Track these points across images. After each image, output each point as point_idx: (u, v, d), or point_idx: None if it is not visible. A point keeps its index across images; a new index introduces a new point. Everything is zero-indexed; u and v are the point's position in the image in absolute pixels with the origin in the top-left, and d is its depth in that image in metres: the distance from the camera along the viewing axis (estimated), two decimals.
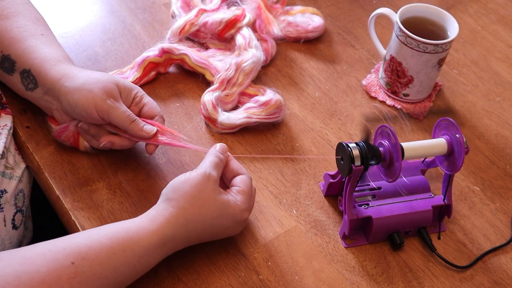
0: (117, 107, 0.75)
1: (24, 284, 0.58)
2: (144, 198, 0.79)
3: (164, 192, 0.70)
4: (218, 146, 0.75)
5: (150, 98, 0.80)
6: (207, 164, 0.72)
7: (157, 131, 0.77)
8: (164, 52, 0.93)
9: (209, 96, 0.88)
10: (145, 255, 0.66)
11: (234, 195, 0.72)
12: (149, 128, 0.76)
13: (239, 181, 0.73)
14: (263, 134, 0.89)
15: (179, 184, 0.70)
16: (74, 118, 0.79)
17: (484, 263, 0.78)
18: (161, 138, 0.77)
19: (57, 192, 0.78)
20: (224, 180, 0.76)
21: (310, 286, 0.73)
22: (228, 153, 0.76)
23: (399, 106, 0.96)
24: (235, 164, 0.75)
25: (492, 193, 0.87)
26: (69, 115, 0.78)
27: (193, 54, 0.93)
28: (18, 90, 0.81)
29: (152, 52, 0.93)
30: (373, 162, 0.74)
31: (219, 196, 0.70)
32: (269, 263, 0.75)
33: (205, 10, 0.99)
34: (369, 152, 0.72)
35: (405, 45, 0.90)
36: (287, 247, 0.77)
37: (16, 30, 0.81)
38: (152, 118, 0.79)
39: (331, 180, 0.80)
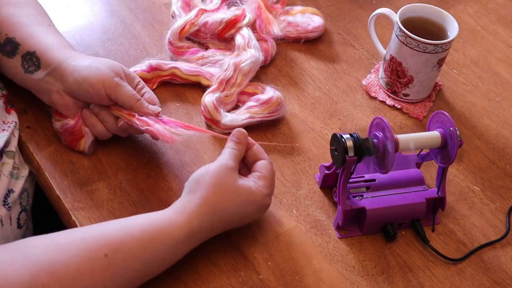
0: (124, 85, 0.77)
1: (59, 271, 0.60)
2: (144, 198, 0.79)
3: (187, 184, 0.72)
4: (236, 133, 0.75)
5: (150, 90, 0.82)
6: (225, 156, 0.73)
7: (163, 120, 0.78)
8: (153, 69, 0.91)
9: (209, 98, 0.88)
10: (174, 248, 0.67)
11: (256, 181, 0.73)
12: (153, 107, 0.79)
13: (260, 167, 0.75)
14: (263, 134, 0.89)
15: (200, 176, 0.71)
16: (77, 98, 0.78)
17: (484, 263, 0.78)
18: (173, 129, 0.78)
19: (57, 192, 0.78)
20: (247, 163, 0.77)
21: (310, 286, 0.73)
22: (250, 138, 0.76)
23: (399, 106, 0.96)
24: (257, 149, 0.76)
25: (492, 193, 0.87)
26: (72, 95, 0.78)
27: (183, 65, 0.93)
28: (15, 73, 0.81)
29: (139, 67, 0.91)
30: (367, 153, 0.74)
31: (239, 184, 0.71)
32: (269, 263, 0.75)
33: (205, 10, 0.99)
34: (363, 143, 0.73)
35: (405, 45, 0.90)
36: (287, 247, 0.77)
37: (25, 17, 0.83)
38: (153, 105, 0.80)
39: (326, 172, 0.81)
